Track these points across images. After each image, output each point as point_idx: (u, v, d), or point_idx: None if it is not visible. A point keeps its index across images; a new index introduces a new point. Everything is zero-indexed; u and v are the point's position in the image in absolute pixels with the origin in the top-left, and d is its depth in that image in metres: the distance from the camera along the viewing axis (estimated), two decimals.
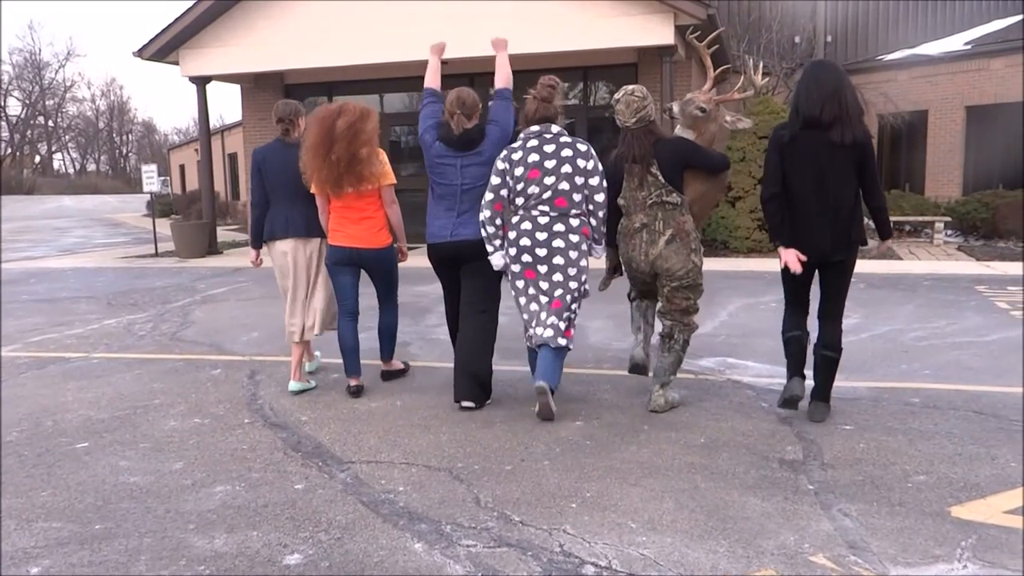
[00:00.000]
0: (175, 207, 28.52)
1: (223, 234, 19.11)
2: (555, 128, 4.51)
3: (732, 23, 17.14)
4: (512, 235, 4.50)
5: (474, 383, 4.71)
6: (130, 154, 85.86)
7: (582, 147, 4.48)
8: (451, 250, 4.78)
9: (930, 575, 2.71)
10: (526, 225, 4.45)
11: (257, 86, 15.76)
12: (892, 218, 14.50)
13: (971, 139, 16.84)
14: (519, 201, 4.48)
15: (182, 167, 37.64)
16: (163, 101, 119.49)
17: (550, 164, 4.40)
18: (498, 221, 4.54)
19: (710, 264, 10.72)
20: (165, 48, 13.84)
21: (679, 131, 4.80)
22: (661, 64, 12.46)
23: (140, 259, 14.47)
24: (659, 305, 4.70)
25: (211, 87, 14.73)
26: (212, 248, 14.68)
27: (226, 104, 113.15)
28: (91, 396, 5.31)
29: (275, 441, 4.28)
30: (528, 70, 6.46)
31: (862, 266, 10.65)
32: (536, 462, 3.86)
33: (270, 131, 16.29)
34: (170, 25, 13.59)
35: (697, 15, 11.56)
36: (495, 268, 4.62)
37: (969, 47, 16.95)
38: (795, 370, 4.42)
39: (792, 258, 4.17)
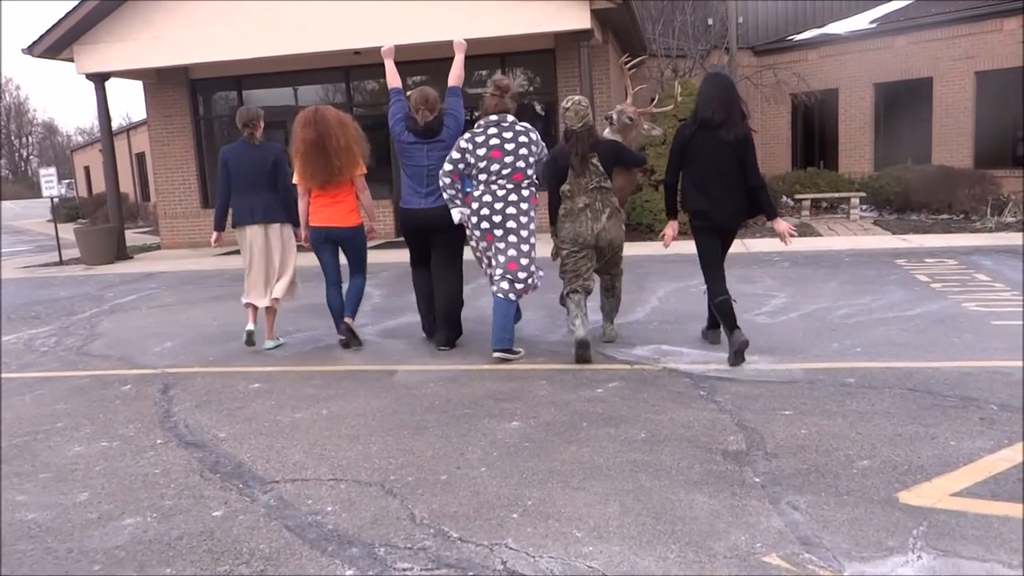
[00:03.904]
0: (82, 211, 27.28)
1: (134, 237, 18.33)
2: (510, 118, 5.52)
3: (647, 5, 17.15)
4: (475, 205, 5.50)
5: (450, 330, 5.96)
6: (31, 157, 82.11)
7: (533, 135, 5.55)
8: (420, 218, 5.83)
9: (886, 570, 2.62)
10: (487, 198, 5.46)
11: (161, 82, 15.06)
12: (809, 195, 14.84)
13: (880, 115, 17.30)
14: (482, 177, 5.47)
15: (87, 169, 36.08)
16: (64, 100, 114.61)
17: (510, 147, 5.44)
18: (455, 187, 5.52)
19: (636, 248, 10.69)
20: (58, 44, 13.08)
21: (608, 134, 5.96)
22: (579, 49, 12.36)
23: (43, 268, 13.70)
24: (596, 267, 5.69)
25: (114, 84, 14.01)
26: (121, 253, 14.00)
27: (132, 101, 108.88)
28: None
29: (190, 462, 3.98)
30: (446, 58, 6.28)
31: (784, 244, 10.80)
32: (473, 469, 3.66)
33: (177, 128, 15.81)
34: (62, 20, 12.85)
35: None
36: (455, 221, 5.60)
37: (875, 26, 17.37)
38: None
39: (671, 232, 5.51)
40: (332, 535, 3.09)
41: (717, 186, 5.20)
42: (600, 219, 5.52)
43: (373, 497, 3.42)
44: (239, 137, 6.29)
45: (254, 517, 3.29)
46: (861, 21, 18.21)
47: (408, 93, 6.02)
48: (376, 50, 12.45)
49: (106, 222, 16.37)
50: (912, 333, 5.80)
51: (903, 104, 16.73)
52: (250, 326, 6.33)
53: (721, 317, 5.26)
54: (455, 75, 5.98)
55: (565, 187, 5.55)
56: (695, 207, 5.30)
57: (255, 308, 6.37)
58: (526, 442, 3.98)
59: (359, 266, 6.27)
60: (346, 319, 6.22)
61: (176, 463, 3.99)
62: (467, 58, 6.15)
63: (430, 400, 4.78)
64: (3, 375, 6.12)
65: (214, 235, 6.50)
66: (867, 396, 4.40)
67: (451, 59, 6.13)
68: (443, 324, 5.98)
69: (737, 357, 5.15)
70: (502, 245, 5.50)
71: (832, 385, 4.63)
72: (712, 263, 5.36)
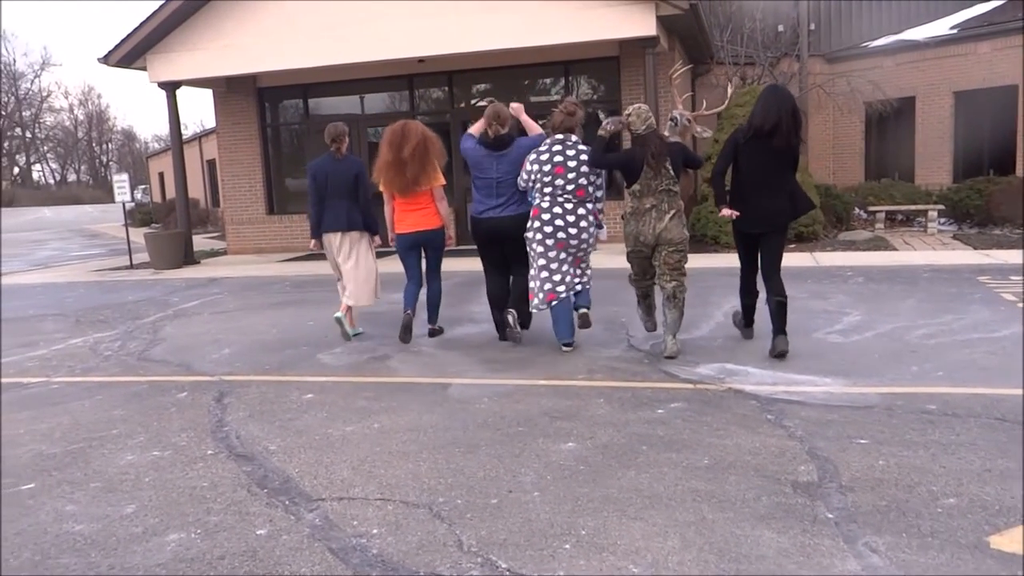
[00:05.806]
0: (155, 216, 28.02)
1: (203, 242, 18.71)
2: (574, 138, 6.02)
3: (715, 12, 16.78)
4: (546, 217, 5.92)
5: (521, 311, 6.25)
6: (111, 163, 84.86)
7: None
8: (492, 226, 6.25)
9: None
10: (557, 210, 5.92)
11: (229, 90, 15.31)
12: (884, 207, 14.34)
13: (960, 125, 16.58)
14: (547, 190, 5.93)
15: (161, 175, 37.07)
16: (142, 108, 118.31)
17: (572, 163, 5.89)
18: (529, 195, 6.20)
19: (702, 261, 10.40)
20: (132, 54, 13.39)
21: (668, 133, 6.12)
22: (644, 56, 12.11)
23: (114, 272, 14.03)
24: (657, 272, 5.90)
25: (190, 93, 14.32)
26: (188, 258, 14.24)
27: (206, 109, 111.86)
28: (45, 427, 4.92)
29: (239, 476, 3.91)
30: (510, 66, 6.22)
31: (858, 259, 10.37)
32: (525, 493, 3.50)
33: (244, 136, 16.06)
34: (136, 29, 13.14)
35: (679, 5, 11.22)
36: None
37: (955, 31, 16.70)
38: (748, 322, 6.24)
39: (728, 212, 5.68)
40: (376, 560, 2.96)
41: (756, 192, 5.60)
42: (663, 219, 5.75)
43: (420, 520, 3.28)
44: (321, 150, 6.87)
45: (298, 537, 3.19)
46: (941, 27, 17.52)
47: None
48: (440, 58, 12.48)
49: (177, 227, 16.72)
50: (999, 356, 5.43)
51: (985, 113, 16.01)
52: (339, 314, 6.81)
53: (743, 314, 6.20)
54: (531, 128, 6.51)
55: (636, 187, 5.78)
56: (734, 208, 5.71)
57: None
58: (582, 465, 3.80)
59: (436, 267, 6.78)
60: (430, 327, 6.89)
61: (225, 476, 3.92)
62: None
63: (484, 416, 4.63)
64: (66, 379, 6.20)
65: (312, 243, 7.08)
66: (951, 425, 4.09)
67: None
68: (515, 303, 6.27)
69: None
70: (573, 250, 6.01)
71: (912, 412, 4.33)
72: (748, 264, 5.97)
